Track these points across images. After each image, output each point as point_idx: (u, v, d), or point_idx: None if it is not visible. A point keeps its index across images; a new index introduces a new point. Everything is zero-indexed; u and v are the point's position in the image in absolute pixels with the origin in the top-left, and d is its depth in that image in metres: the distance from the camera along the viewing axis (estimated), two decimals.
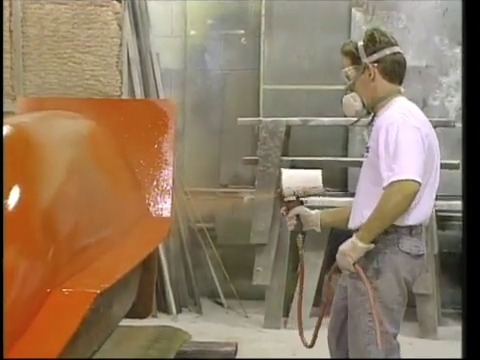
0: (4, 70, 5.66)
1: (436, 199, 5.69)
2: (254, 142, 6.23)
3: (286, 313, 5.82)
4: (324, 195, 3.27)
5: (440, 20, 6.35)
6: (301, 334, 3.38)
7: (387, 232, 2.98)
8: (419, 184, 2.88)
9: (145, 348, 4.63)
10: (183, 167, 6.54)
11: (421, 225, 3.07)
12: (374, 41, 3.11)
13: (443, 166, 5.69)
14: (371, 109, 3.16)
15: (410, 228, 3.01)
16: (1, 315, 2.41)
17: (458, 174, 5.66)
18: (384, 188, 2.89)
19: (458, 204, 5.62)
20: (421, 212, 3.02)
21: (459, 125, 5.67)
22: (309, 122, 5.98)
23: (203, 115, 6.79)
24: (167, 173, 3.92)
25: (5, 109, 5.06)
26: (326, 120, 6.01)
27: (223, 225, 6.59)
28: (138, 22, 6.13)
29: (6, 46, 5.66)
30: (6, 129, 3.00)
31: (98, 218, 3.27)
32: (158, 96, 6.18)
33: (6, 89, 5.65)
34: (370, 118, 3.18)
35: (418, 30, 6.38)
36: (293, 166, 5.90)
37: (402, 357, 3.14)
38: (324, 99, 6.43)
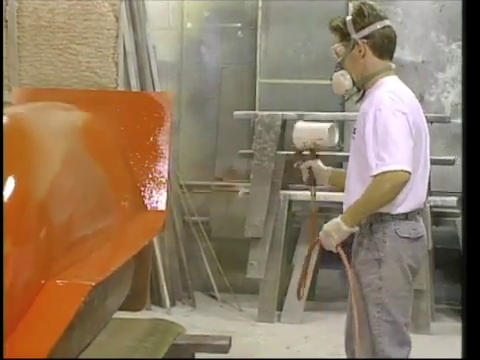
0: None
1: (430, 195, 5.80)
2: (250, 136, 6.23)
3: (280, 307, 5.83)
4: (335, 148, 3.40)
5: (437, 16, 6.35)
6: (300, 286, 3.32)
7: (383, 220, 2.96)
8: (409, 174, 2.84)
9: (139, 340, 4.61)
10: (178, 160, 6.54)
11: (417, 209, 3.04)
12: (363, 15, 2.99)
13: (438, 162, 5.77)
14: (361, 86, 3.06)
15: (405, 213, 2.98)
16: (1, 315, 2.40)
17: (453, 170, 5.70)
18: (373, 176, 2.86)
19: (453, 200, 5.63)
20: (414, 199, 2.99)
21: (455, 121, 5.69)
22: (305, 116, 5.97)
23: (199, 108, 6.79)
24: (162, 166, 3.91)
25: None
26: (322, 114, 6.00)
27: (218, 218, 6.59)
28: (135, 14, 6.11)
29: (1, 36, 5.63)
30: (1, 120, 2.98)
31: (93, 210, 3.27)
32: (154, 88, 6.17)
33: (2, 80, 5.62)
34: (360, 95, 3.09)
35: (415, 26, 6.38)
36: (288, 160, 5.91)
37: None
38: (320, 93, 6.42)
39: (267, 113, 5.97)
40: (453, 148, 6.02)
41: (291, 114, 6.00)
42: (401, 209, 2.96)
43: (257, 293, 5.88)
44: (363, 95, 3.07)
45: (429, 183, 5.90)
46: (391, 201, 2.88)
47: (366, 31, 2.97)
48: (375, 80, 3.00)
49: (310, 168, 3.28)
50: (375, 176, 2.85)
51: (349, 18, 3.01)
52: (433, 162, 5.71)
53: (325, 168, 3.30)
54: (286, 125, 6.09)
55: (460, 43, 5.56)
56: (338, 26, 3.03)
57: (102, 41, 5.72)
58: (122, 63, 5.81)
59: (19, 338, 2.52)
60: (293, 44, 6.64)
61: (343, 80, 3.03)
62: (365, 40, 2.98)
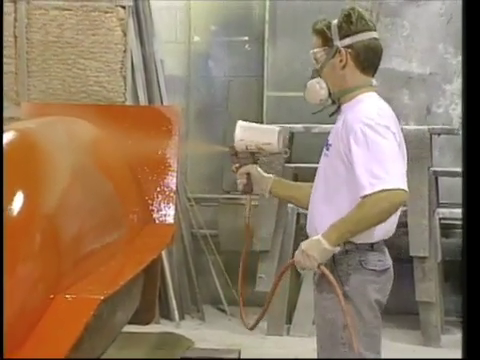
0: (9, 76, 5.68)
1: (439, 206, 5.79)
2: None
3: (289, 320, 5.81)
4: (281, 155, 3.01)
5: (444, 28, 6.35)
6: (242, 315, 3.15)
7: (347, 251, 2.67)
8: (407, 193, 2.57)
9: (148, 354, 4.62)
10: (186, 173, 6.54)
11: (384, 238, 2.76)
12: (350, 22, 2.71)
13: (446, 174, 5.76)
14: (337, 100, 2.79)
15: (371, 243, 2.69)
16: (1, 315, 2.41)
17: (461, 182, 5.67)
18: (365, 195, 2.55)
19: (461, 212, 5.61)
20: (383, 228, 2.67)
21: None
22: (312, 129, 5.98)
23: (207, 121, 6.80)
24: (170, 179, 3.93)
25: (10, 115, 5.08)
26: (329, 127, 5.97)
27: (226, 232, 6.58)
28: (142, 28, 6.14)
29: (11, 52, 5.67)
30: (11, 135, 3.00)
31: (102, 224, 3.27)
32: (162, 102, 6.18)
33: (10, 94, 5.66)
34: (335, 109, 2.82)
35: (422, 38, 6.38)
36: (296, 173, 5.91)
37: None
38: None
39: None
40: (461, 160, 6.00)
41: (298, 127, 6.00)
42: (369, 239, 2.67)
43: None
44: (338, 109, 2.81)
45: (437, 195, 5.95)
46: (384, 221, 2.59)
47: (351, 40, 2.70)
48: (354, 95, 2.73)
49: (248, 174, 2.95)
50: (369, 195, 2.53)
51: (335, 23, 2.74)
52: (441, 174, 5.80)
53: (266, 175, 2.97)
54: (293, 138, 6.10)
55: None
56: (321, 29, 2.76)
57: (110, 56, 5.75)
58: (130, 77, 5.83)
59: (29, 352, 2.52)
60: (300, 57, 6.64)
61: (319, 88, 2.78)
62: (348, 49, 2.71)
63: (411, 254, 5.50)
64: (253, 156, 2.97)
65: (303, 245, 2.66)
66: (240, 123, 2.98)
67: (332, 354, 2.70)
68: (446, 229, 6.02)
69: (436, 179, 5.77)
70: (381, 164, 2.56)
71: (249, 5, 6.74)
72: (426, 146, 5.57)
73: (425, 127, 5.73)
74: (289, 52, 6.68)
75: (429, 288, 5.45)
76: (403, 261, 5.74)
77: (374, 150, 2.57)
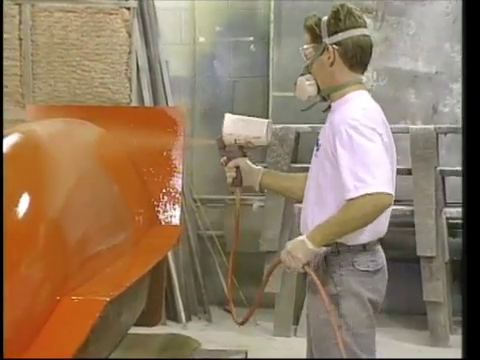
0: (14, 78, 5.69)
1: (446, 206, 5.77)
2: (263, 149, 6.22)
3: (296, 321, 5.80)
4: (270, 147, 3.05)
5: (450, 27, 6.33)
6: (232, 310, 3.06)
7: (339, 252, 2.67)
8: (392, 197, 2.57)
9: (154, 356, 4.62)
10: (192, 174, 6.54)
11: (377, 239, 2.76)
12: (338, 19, 2.68)
13: (453, 173, 5.75)
14: (327, 97, 2.78)
15: (363, 244, 2.69)
16: (1, 316, 2.40)
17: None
18: (350, 199, 2.55)
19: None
20: (374, 229, 2.67)
21: None
22: (319, 129, 5.95)
23: (212, 122, 6.79)
24: (176, 180, 3.92)
25: (15, 117, 5.10)
26: None
27: (232, 232, 6.57)
28: (147, 30, 6.14)
29: (16, 54, 5.69)
30: (16, 137, 3.00)
31: (108, 226, 3.27)
32: (167, 103, 6.18)
33: (16, 97, 5.67)
34: (327, 106, 2.80)
35: (428, 36, 6.36)
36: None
37: None
38: None
39: (280, 126, 5.96)
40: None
41: (305, 127, 5.99)
42: (359, 240, 2.66)
43: (273, 307, 5.86)
44: (329, 107, 2.80)
45: (444, 194, 5.93)
46: (368, 225, 2.59)
47: (339, 37, 2.68)
48: (343, 93, 2.72)
49: (238, 167, 2.95)
50: (354, 199, 2.54)
51: (324, 19, 2.72)
52: (448, 173, 5.78)
53: (256, 168, 2.97)
54: (300, 138, 6.09)
55: None
56: (311, 26, 2.76)
57: (115, 57, 5.75)
58: (135, 79, 5.83)
59: (35, 354, 2.52)
60: None
61: (307, 85, 2.78)
62: (336, 46, 2.69)
63: (418, 254, 5.49)
64: (242, 149, 2.97)
65: (288, 245, 2.69)
66: (228, 116, 2.98)
67: (327, 355, 2.68)
68: (453, 229, 5.99)
69: (443, 178, 5.75)
70: (366, 167, 2.55)
71: (254, 5, 6.73)
72: (433, 145, 5.55)
73: (431, 126, 5.71)
74: (294, 52, 6.61)
75: (437, 288, 5.43)
76: (410, 261, 5.74)
77: (359, 153, 2.56)
